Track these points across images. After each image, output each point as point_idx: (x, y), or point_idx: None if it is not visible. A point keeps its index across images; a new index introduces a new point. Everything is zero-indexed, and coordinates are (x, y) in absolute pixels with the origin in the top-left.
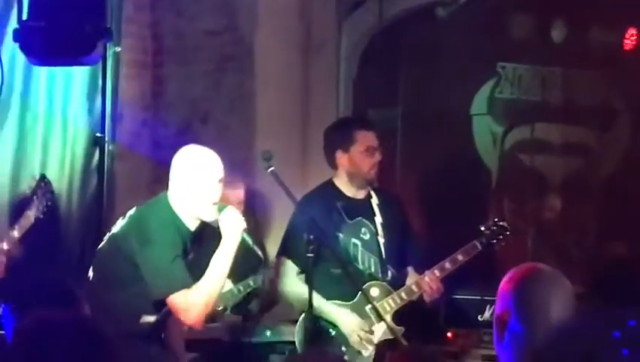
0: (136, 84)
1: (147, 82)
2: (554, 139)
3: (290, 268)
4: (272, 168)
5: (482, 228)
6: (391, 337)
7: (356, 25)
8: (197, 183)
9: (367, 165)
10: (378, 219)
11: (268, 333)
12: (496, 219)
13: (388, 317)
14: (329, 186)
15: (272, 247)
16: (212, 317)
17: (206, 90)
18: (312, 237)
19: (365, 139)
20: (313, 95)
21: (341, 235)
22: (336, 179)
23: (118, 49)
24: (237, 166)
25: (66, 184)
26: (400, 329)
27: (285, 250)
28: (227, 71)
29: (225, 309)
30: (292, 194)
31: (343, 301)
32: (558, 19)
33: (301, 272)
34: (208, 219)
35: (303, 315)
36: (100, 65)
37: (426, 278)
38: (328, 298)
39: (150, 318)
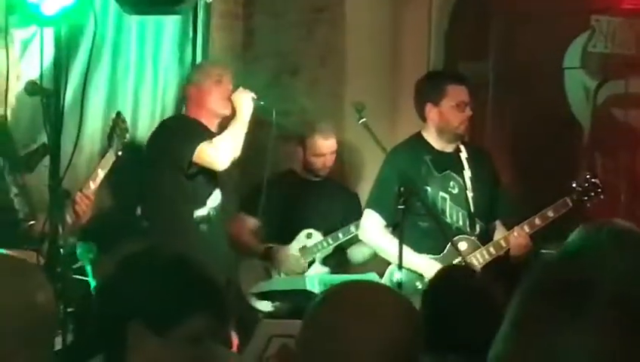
0: (227, 34)
1: (237, 33)
2: None
3: (377, 221)
4: (363, 120)
5: (574, 185)
6: None
7: None
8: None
9: (457, 120)
10: (467, 172)
11: None
12: (588, 176)
13: (477, 270)
14: (418, 139)
15: (362, 199)
16: (302, 268)
17: (296, 42)
18: (402, 189)
19: (456, 93)
20: (404, 47)
21: (429, 188)
22: (425, 131)
23: (210, 0)
24: (326, 118)
25: None
26: None
27: (373, 203)
28: (317, 23)
29: (313, 261)
30: (383, 146)
31: (430, 254)
32: None
33: (387, 225)
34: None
35: (390, 267)
36: (190, 15)
37: (515, 233)
38: (416, 251)
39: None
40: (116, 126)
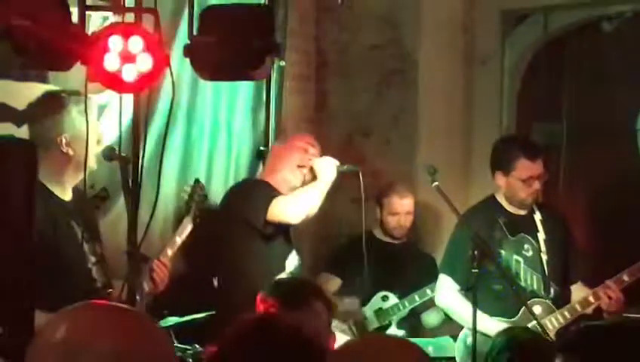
0: (300, 97)
1: (311, 96)
2: None
3: (451, 284)
4: (436, 183)
5: None
6: None
7: (521, 38)
8: None
9: (524, 193)
10: (541, 235)
11: (430, 348)
12: None
13: (551, 336)
14: (491, 201)
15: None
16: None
17: (368, 104)
18: (476, 252)
19: (526, 168)
20: (476, 109)
21: (503, 252)
22: (498, 194)
23: (283, 63)
24: (399, 180)
25: None
26: None
27: (446, 266)
28: (390, 85)
29: (389, 324)
30: (456, 209)
31: (504, 318)
32: None
33: (461, 289)
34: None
35: (463, 331)
36: (264, 79)
37: (603, 290)
38: (489, 314)
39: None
40: (194, 193)
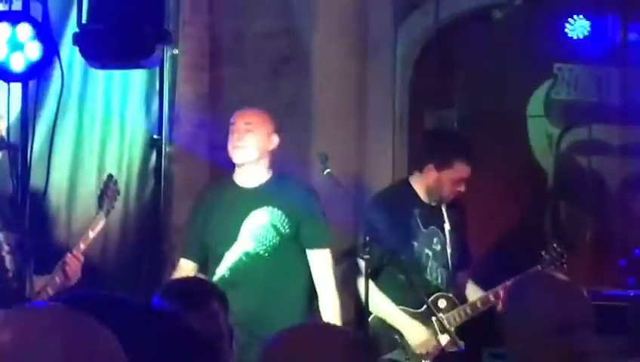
0: (194, 86)
1: (204, 84)
2: (612, 140)
3: (362, 269)
4: (328, 170)
5: (543, 254)
6: (453, 349)
7: (412, 27)
8: None
9: (449, 192)
10: (446, 226)
11: None
12: (555, 246)
13: (452, 330)
14: (406, 188)
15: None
16: None
17: (263, 92)
18: (367, 239)
19: (461, 171)
20: (369, 96)
21: (416, 244)
22: (415, 182)
23: (176, 51)
24: (294, 168)
25: (124, 186)
26: (461, 344)
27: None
28: (284, 73)
29: None
30: (350, 195)
31: (409, 307)
32: (614, 18)
33: (359, 275)
34: None
35: (371, 317)
36: (157, 67)
37: (503, 289)
38: (396, 303)
39: None
40: (107, 188)
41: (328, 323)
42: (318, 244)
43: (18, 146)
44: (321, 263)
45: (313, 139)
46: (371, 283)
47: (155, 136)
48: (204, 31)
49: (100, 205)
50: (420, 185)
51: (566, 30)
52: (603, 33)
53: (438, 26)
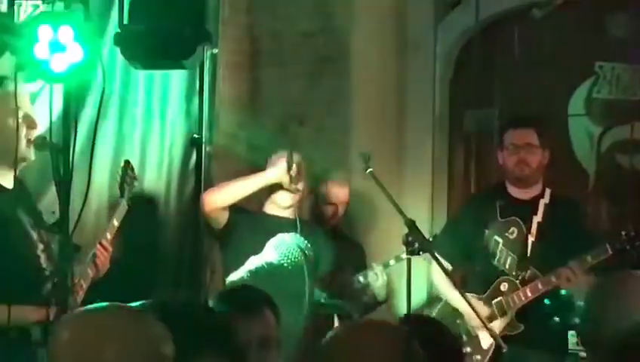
0: (233, 85)
1: (244, 84)
2: None
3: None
4: (370, 169)
5: (623, 233)
6: (512, 332)
7: (452, 25)
8: None
9: (511, 162)
10: (537, 218)
11: None
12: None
13: (510, 313)
14: (498, 186)
15: (371, 249)
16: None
17: (302, 91)
18: (410, 238)
19: (510, 137)
20: (409, 96)
21: (487, 231)
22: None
23: (216, 51)
24: (334, 167)
25: (164, 186)
26: (519, 326)
27: (437, 243)
28: (323, 72)
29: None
30: (390, 195)
31: (473, 293)
32: None
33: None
34: None
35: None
36: (197, 67)
37: (565, 270)
38: (469, 291)
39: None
40: (125, 174)
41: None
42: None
43: (60, 147)
44: None
45: (353, 139)
46: (439, 270)
47: (195, 136)
48: (243, 31)
49: (122, 193)
50: (507, 178)
51: (607, 28)
52: None
53: (478, 24)
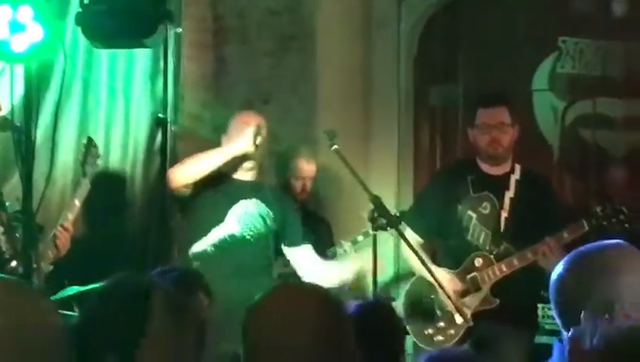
0: (198, 65)
1: (208, 63)
2: (616, 113)
3: (412, 236)
4: (335, 146)
5: (598, 209)
6: (487, 307)
7: (416, 2)
8: None
9: (483, 141)
10: (509, 194)
11: None
12: (608, 203)
13: (485, 288)
14: (468, 161)
15: (338, 226)
16: None
17: (267, 70)
18: (376, 214)
19: (481, 116)
20: (374, 73)
21: (460, 207)
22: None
23: (179, 30)
24: (299, 145)
25: (130, 166)
26: (494, 301)
27: (408, 218)
28: (288, 51)
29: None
30: (355, 172)
31: (451, 269)
32: None
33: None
34: None
35: (413, 279)
36: (161, 46)
37: (541, 247)
38: (443, 266)
39: None
40: (87, 153)
41: (302, 283)
42: (300, 242)
43: (22, 128)
44: (306, 256)
45: (319, 116)
46: (418, 248)
47: (160, 116)
48: (207, 9)
49: (84, 172)
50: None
51: (570, 3)
52: (607, 7)
53: (441, 1)
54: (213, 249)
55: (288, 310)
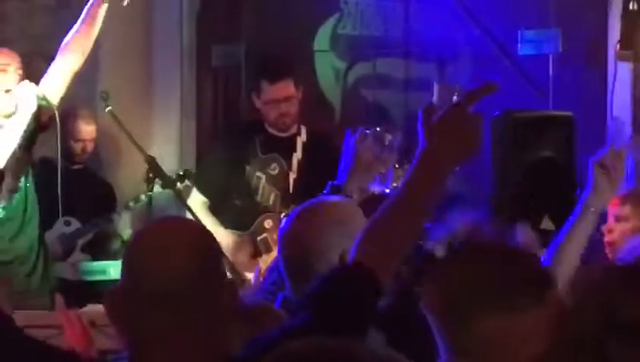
0: None
1: None
2: (395, 74)
3: (200, 200)
4: (109, 108)
5: None
6: None
7: None
8: None
9: (272, 116)
10: (297, 155)
11: (112, 270)
12: None
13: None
14: (255, 122)
15: (120, 190)
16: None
17: (47, 26)
18: (151, 175)
19: (269, 92)
20: (156, 31)
21: (248, 167)
22: None
23: None
24: (82, 105)
25: None
26: None
27: (196, 181)
28: (69, 7)
29: (73, 248)
30: (129, 133)
31: (241, 231)
32: None
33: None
34: None
35: None
36: None
37: None
38: (232, 227)
39: None
40: None
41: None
42: None
43: None
44: None
45: (100, 75)
46: (204, 209)
47: None
48: None
49: None
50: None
51: None
52: None
53: None
54: None
55: (166, 235)
